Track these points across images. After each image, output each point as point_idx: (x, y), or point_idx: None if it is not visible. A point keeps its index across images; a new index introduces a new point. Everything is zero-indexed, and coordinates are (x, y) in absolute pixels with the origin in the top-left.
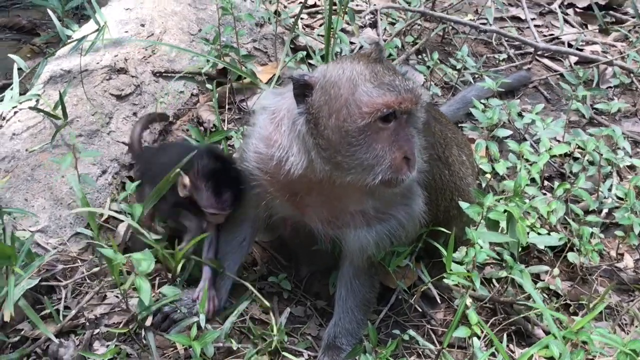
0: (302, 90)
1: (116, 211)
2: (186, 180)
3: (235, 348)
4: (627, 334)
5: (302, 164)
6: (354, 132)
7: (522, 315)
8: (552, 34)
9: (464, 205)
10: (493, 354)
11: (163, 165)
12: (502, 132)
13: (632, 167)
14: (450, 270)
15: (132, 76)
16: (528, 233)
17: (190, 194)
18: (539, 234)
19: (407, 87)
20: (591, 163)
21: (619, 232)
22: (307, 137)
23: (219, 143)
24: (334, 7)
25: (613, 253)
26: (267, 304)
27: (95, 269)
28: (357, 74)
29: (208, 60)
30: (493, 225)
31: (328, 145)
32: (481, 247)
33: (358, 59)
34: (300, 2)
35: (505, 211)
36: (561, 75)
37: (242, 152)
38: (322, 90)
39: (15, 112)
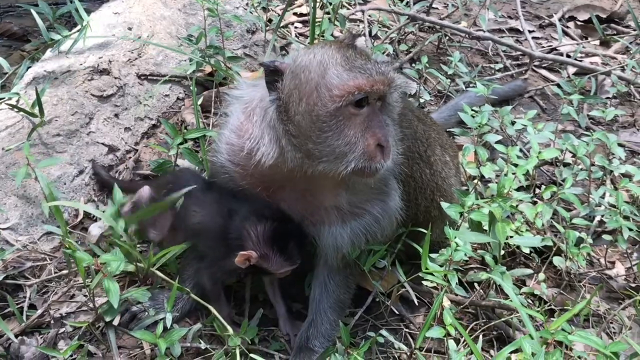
0: (273, 77)
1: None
2: (253, 255)
3: (203, 348)
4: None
5: (273, 154)
6: (324, 116)
7: (502, 320)
8: (550, 45)
9: (444, 205)
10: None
11: (201, 223)
12: (492, 137)
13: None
14: (426, 268)
15: (115, 77)
16: (512, 236)
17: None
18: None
19: (379, 70)
20: (583, 170)
21: (606, 237)
22: (277, 124)
23: (196, 140)
24: (326, 15)
25: (604, 261)
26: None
27: (65, 271)
28: (328, 58)
29: (191, 60)
30: (476, 226)
31: (298, 131)
32: (457, 246)
33: (330, 44)
34: (295, 13)
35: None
36: (558, 85)
37: (215, 144)
38: (292, 74)
39: None
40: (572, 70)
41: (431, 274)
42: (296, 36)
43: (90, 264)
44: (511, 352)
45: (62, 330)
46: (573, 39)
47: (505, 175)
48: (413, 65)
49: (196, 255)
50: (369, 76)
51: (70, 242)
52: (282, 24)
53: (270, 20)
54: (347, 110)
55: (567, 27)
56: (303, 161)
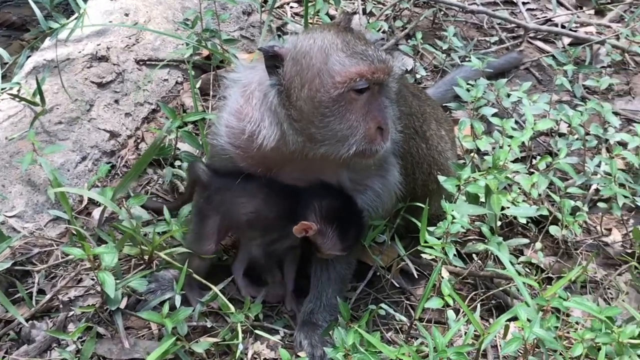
0: (273, 61)
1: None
2: (314, 227)
3: (209, 326)
4: None
5: (275, 137)
6: (327, 102)
7: (500, 289)
8: (545, 16)
9: (441, 178)
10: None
11: (255, 211)
12: (488, 111)
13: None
14: (425, 242)
15: (114, 64)
16: (508, 207)
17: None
18: None
19: (380, 58)
20: (578, 139)
21: (602, 205)
22: (279, 109)
23: (194, 124)
24: None
25: (602, 229)
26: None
27: (71, 256)
28: (328, 43)
29: (188, 44)
30: (473, 199)
31: (301, 116)
32: (453, 218)
33: (328, 29)
34: None
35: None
36: (553, 57)
37: (214, 126)
38: (293, 60)
39: None
40: (567, 40)
41: (430, 247)
42: (292, 16)
43: (82, 258)
44: (509, 320)
45: (71, 313)
46: (567, 9)
47: (501, 147)
48: (408, 41)
49: (245, 244)
50: (370, 63)
51: (76, 228)
52: (277, 4)
53: (265, 1)
54: (349, 96)
55: None
56: (305, 144)
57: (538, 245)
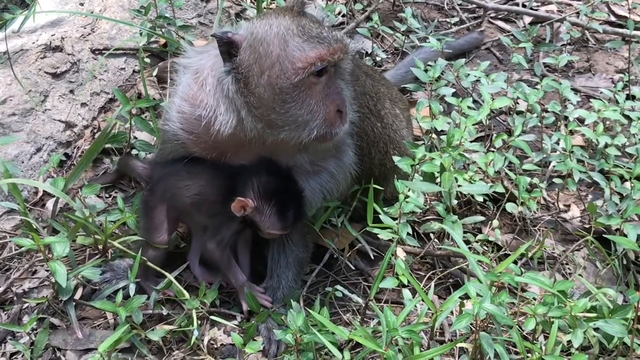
0: (227, 48)
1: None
2: (250, 203)
3: (165, 314)
4: None
5: (232, 123)
6: (287, 88)
7: (457, 267)
8: None
9: (395, 158)
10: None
11: (199, 194)
12: (446, 91)
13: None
14: (373, 223)
15: (69, 54)
16: (460, 185)
17: (248, 215)
18: None
19: (336, 38)
20: (535, 116)
21: (557, 180)
22: (236, 96)
23: (145, 110)
24: None
25: (561, 206)
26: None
27: (24, 248)
28: (284, 29)
29: (141, 33)
30: (429, 178)
31: (260, 103)
32: (406, 197)
33: (283, 14)
34: None
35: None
36: (513, 36)
37: (165, 112)
38: (250, 48)
39: None
40: (528, 20)
41: (379, 227)
42: (252, 2)
43: (32, 248)
44: (463, 298)
45: (25, 305)
46: None
47: (457, 126)
48: (367, 23)
49: (197, 232)
50: (328, 45)
51: (27, 219)
52: None
53: None
54: (309, 80)
55: None
56: (264, 131)
57: (495, 223)
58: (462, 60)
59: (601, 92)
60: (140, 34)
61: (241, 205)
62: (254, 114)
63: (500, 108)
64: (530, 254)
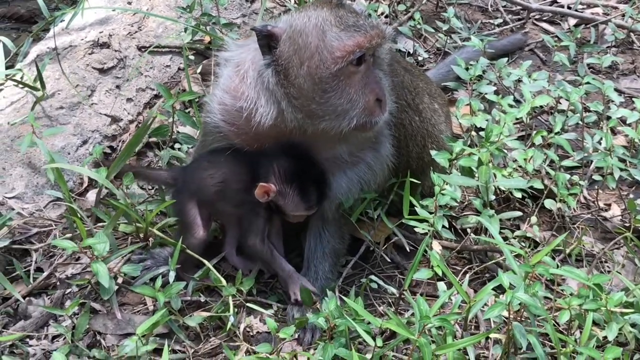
0: (267, 41)
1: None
2: (273, 188)
3: (203, 301)
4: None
5: (272, 115)
6: (327, 78)
7: (493, 261)
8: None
9: (433, 152)
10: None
11: (218, 183)
12: (486, 89)
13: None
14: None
15: (115, 50)
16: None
17: (272, 200)
18: None
19: (372, 25)
20: (576, 114)
21: (597, 177)
22: (276, 87)
23: (189, 106)
24: None
25: (602, 205)
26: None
27: (69, 235)
28: (322, 20)
29: (186, 29)
30: (467, 173)
31: (300, 93)
32: (442, 190)
33: (321, 6)
34: None
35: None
36: (557, 37)
37: (207, 104)
38: (289, 40)
39: (1, 90)
40: (572, 22)
41: (414, 219)
42: (296, 2)
43: (74, 250)
44: (498, 292)
45: (68, 291)
46: None
47: (497, 123)
48: (411, 25)
49: (230, 225)
50: (365, 32)
51: (71, 205)
52: None
53: None
54: (348, 70)
55: None
56: (304, 121)
57: (533, 219)
58: (504, 60)
59: None
60: (185, 30)
61: (264, 190)
62: (294, 104)
63: (542, 107)
64: (568, 250)
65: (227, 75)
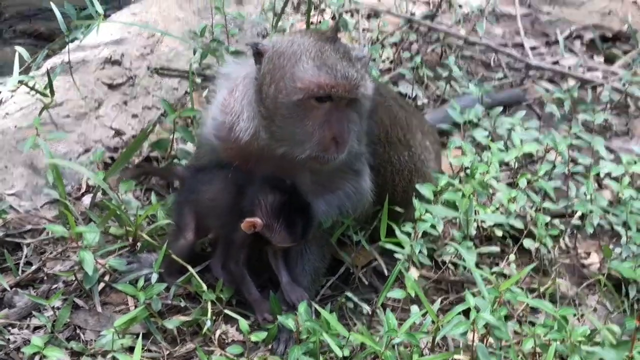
0: (258, 57)
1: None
2: (259, 222)
3: (183, 306)
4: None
5: (250, 131)
6: (287, 104)
7: (469, 292)
8: (554, 60)
9: (418, 185)
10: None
11: (209, 199)
12: (479, 133)
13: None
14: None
15: (126, 68)
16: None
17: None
18: None
19: (346, 74)
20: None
21: (576, 221)
22: (255, 104)
23: (191, 124)
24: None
25: (583, 253)
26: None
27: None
28: (302, 49)
29: (195, 51)
30: (451, 207)
31: (267, 113)
32: (421, 216)
33: (310, 35)
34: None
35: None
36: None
37: (202, 118)
38: (269, 59)
39: (12, 96)
40: (572, 83)
41: (390, 242)
42: None
43: (64, 235)
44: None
45: (55, 286)
46: (577, 55)
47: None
48: (409, 65)
49: (219, 243)
50: (333, 78)
51: (65, 202)
52: (290, 26)
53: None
54: (309, 103)
55: (573, 45)
56: (270, 141)
57: (512, 257)
58: (499, 109)
59: (636, 155)
60: (194, 52)
61: (250, 224)
62: (262, 123)
63: (531, 156)
64: (542, 289)
65: (221, 91)
